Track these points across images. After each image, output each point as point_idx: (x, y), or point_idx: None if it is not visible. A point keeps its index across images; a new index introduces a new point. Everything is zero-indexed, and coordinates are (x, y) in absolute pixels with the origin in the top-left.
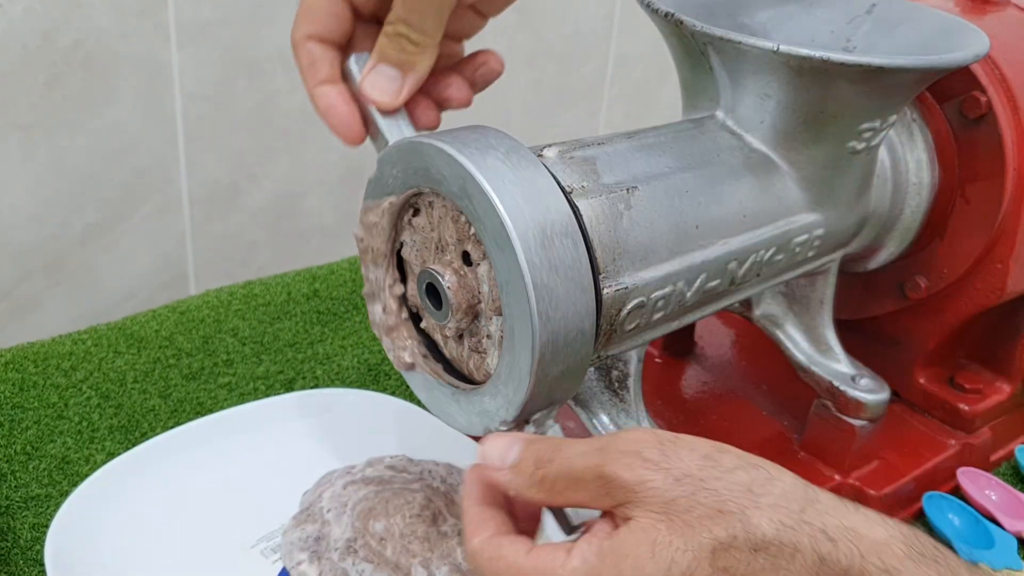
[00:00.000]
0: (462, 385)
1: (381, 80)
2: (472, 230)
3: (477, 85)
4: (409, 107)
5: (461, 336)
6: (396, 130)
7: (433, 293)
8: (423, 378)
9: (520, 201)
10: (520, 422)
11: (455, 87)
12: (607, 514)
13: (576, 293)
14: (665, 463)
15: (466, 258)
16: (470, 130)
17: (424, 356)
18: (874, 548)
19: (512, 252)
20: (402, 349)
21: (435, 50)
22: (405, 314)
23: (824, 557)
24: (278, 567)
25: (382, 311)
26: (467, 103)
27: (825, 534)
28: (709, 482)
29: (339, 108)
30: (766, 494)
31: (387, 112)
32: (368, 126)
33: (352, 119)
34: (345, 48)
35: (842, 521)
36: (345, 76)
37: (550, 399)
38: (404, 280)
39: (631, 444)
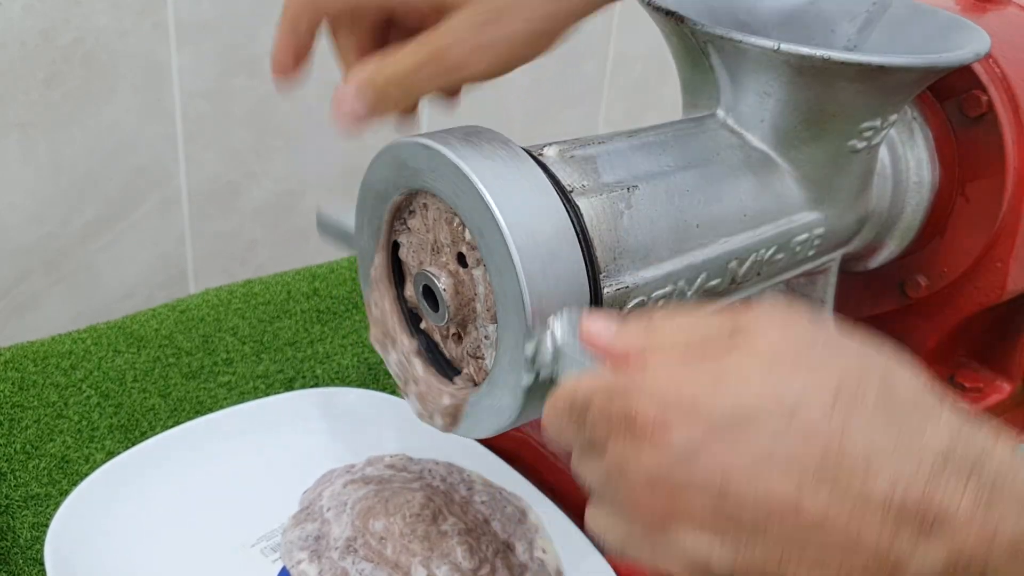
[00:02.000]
0: (449, 387)
1: (350, 106)
2: (466, 232)
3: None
4: None
5: (460, 336)
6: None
7: (430, 295)
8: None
9: (516, 207)
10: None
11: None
12: None
13: (572, 299)
14: (810, 316)
15: (462, 259)
16: (464, 131)
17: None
18: (1000, 447)
19: (509, 260)
20: (438, 395)
21: (406, 106)
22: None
23: (959, 433)
24: (278, 566)
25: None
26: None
27: (962, 416)
28: (853, 339)
29: (286, 61)
30: (913, 368)
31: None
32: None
33: (294, 58)
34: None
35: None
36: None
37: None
38: (403, 281)
39: (775, 302)
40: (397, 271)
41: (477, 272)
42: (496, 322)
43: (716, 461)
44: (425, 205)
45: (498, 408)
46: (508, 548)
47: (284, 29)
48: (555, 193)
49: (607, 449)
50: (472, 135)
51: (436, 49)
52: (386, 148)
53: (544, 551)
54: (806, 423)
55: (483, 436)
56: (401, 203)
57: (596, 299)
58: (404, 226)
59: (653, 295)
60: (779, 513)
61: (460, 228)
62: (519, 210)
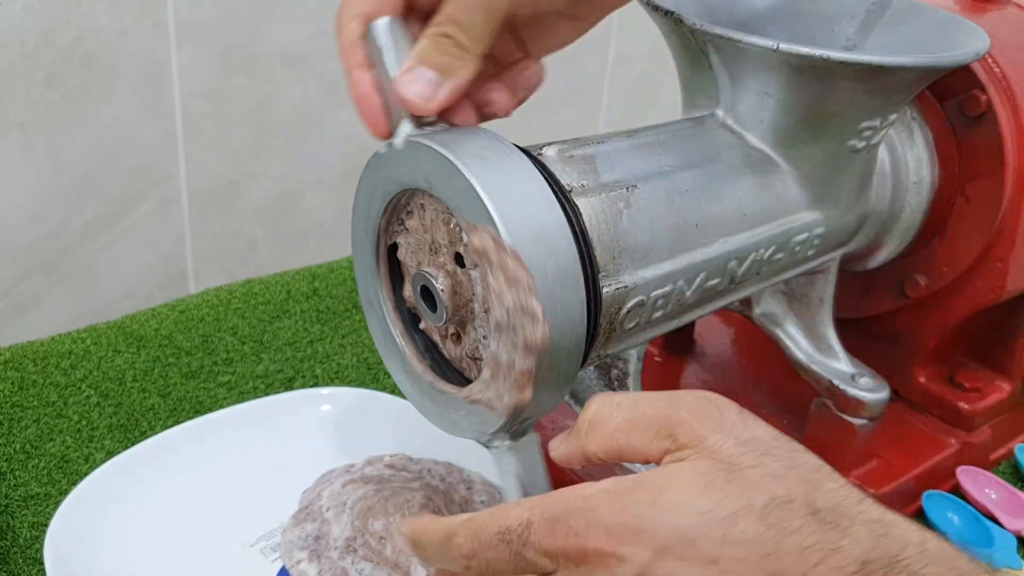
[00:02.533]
0: (453, 390)
1: (418, 83)
2: (463, 233)
3: (518, 94)
4: (447, 109)
5: (459, 337)
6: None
7: (428, 295)
8: (414, 380)
9: (511, 205)
10: (508, 427)
11: (497, 93)
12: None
13: (569, 302)
14: (742, 425)
15: (459, 260)
16: (463, 132)
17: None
18: (922, 544)
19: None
20: None
21: (480, 57)
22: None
23: (877, 541)
24: (278, 566)
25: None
26: (508, 112)
27: (881, 523)
28: (779, 452)
29: (371, 99)
30: (835, 477)
31: (420, 117)
32: (388, 117)
33: (380, 112)
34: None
35: (889, 517)
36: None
37: (539, 406)
38: (401, 282)
39: (710, 397)
40: (396, 271)
41: (475, 273)
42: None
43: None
44: (422, 205)
45: (489, 414)
46: None
47: (355, 65)
48: (551, 191)
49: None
50: (467, 134)
51: None
52: (384, 147)
53: None
54: (745, 534)
55: (470, 438)
56: (398, 203)
57: (595, 299)
58: (402, 227)
59: (652, 294)
60: None
61: (457, 229)
62: (514, 209)
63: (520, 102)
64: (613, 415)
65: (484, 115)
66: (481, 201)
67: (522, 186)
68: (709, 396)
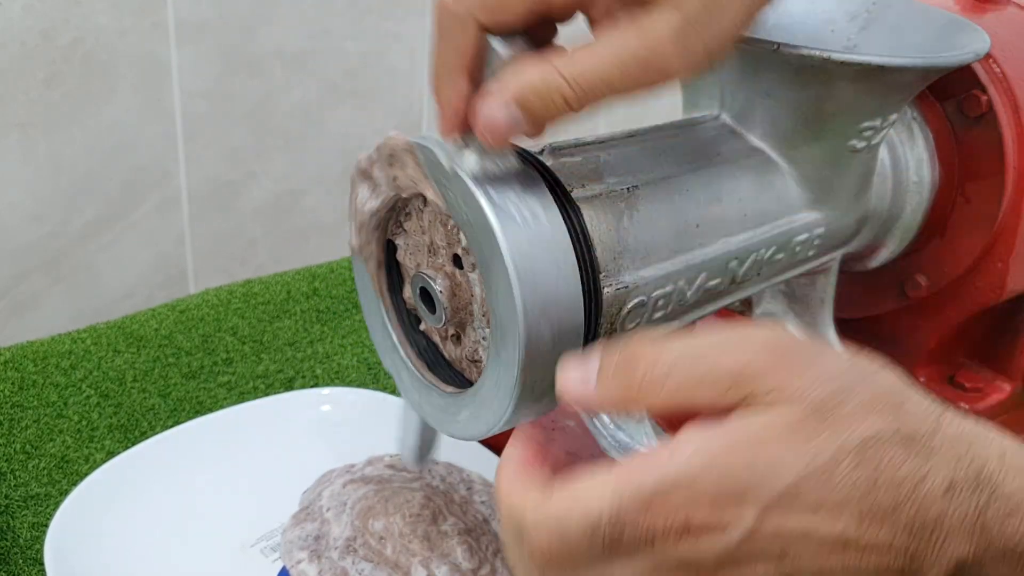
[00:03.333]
0: (449, 388)
1: (502, 121)
2: (461, 235)
3: None
4: None
5: (459, 338)
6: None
7: (427, 297)
8: (410, 375)
9: (509, 209)
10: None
11: None
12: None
13: (566, 310)
14: (817, 362)
15: (458, 261)
16: (525, 192)
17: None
18: (1002, 456)
19: (504, 271)
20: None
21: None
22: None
23: (960, 460)
24: (278, 566)
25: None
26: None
27: (962, 439)
28: (858, 384)
29: (457, 110)
30: (913, 395)
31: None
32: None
33: (461, 122)
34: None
35: (969, 428)
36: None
37: (536, 412)
38: (401, 284)
39: (778, 338)
40: (396, 273)
41: (473, 275)
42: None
43: (773, 532)
44: (420, 207)
45: (488, 410)
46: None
47: (450, 61)
48: (548, 193)
49: (655, 552)
50: (506, 176)
51: (643, 48)
52: (422, 147)
53: None
54: (844, 477)
55: (475, 438)
56: (396, 204)
57: (596, 299)
58: (400, 228)
59: (653, 295)
60: (834, 553)
61: (455, 230)
62: (512, 213)
63: None
64: (672, 364)
65: None
66: (478, 205)
67: (519, 190)
68: (777, 336)
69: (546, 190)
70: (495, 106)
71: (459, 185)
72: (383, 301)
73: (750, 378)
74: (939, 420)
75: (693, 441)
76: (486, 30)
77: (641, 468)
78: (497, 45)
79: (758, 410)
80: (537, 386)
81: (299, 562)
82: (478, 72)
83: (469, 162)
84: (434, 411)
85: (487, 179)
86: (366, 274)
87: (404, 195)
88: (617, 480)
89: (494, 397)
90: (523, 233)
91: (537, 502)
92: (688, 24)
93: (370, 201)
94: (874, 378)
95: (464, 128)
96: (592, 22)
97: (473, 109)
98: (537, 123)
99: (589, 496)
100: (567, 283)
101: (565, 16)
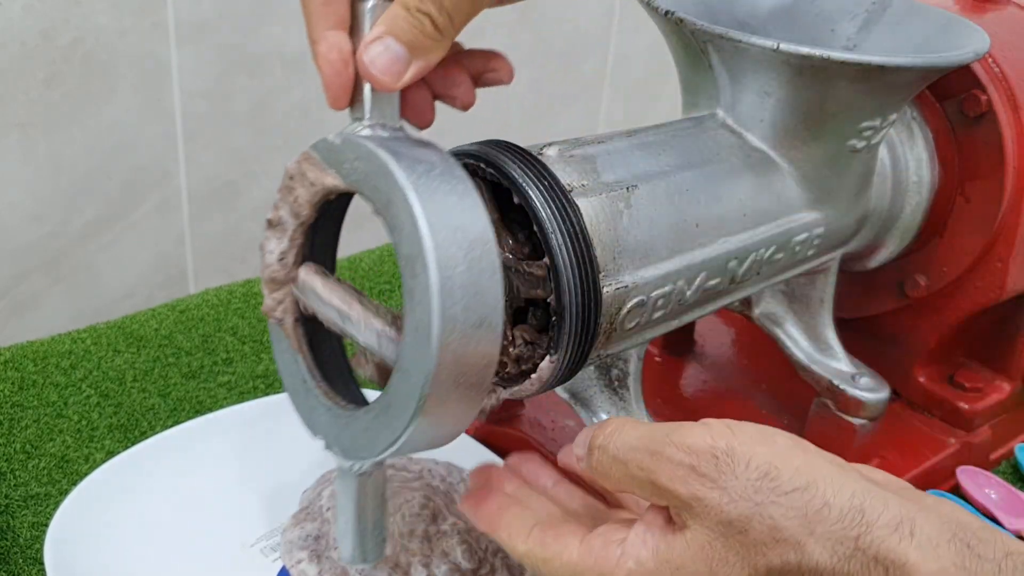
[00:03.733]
0: (340, 402)
1: (386, 57)
2: None
3: (478, 86)
4: (405, 93)
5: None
6: (379, 112)
7: None
8: (330, 413)
9: (444, 227)
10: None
11: (462, 87)
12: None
13: (476, 234)
14: (721, 480)
15: None
16: (420, 147)
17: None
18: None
19: (406, 207)
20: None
21: (451, 41)
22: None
23: None
24: (278, 565)
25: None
26: (470, 106)
27: (879, 563)
28: (765, 507)
29: (339, 67)
30: (822, 520)
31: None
32: (353, 91)
33: (347, 84)
34: None
35: (897, 549)
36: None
37: (432, 440)
38: (316, 336)
39: (685, 455)
40: (312, 325)
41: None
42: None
43: None
44: None
45: (376, 436)
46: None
47: (321, 27)
48: (439, 150)
49: None
50: (399, 138)
51: None
52: (316, 144)
53: None
54: None
55: (410, 438)
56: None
57: (595, 298)
58: None
59: (652, 294)
60: None
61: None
62: (411, 157)
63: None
64: (609, 463)
65: (444, 103)
66: (418, 230)
67: (458, 213)
68: (685, 445)
69: (438, 150)
70: (377, 49)
71: (353, 149)
72: (303, 359)
73: (665, 494)
74: (855, 541)
75: (636, 548)
76: None
77: (599, 558)
78: (367, 12)
79: (685, 521)
80: (434, 420)
81: (299, 562)
82: (353, 31)
83: (360, 129)
84: (359, 437)
85: (381, 141)
86: (282, 334)
87: (308, 209)
88: (580, 560)
89: (388, 423)
90: (421, 170)
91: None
92: None
93: (279, 245)
94: (782, 502)
95: (350, 92)
96: None
97: (359, 62)
98: (417, 49)
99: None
100: (472, 214)
101: None
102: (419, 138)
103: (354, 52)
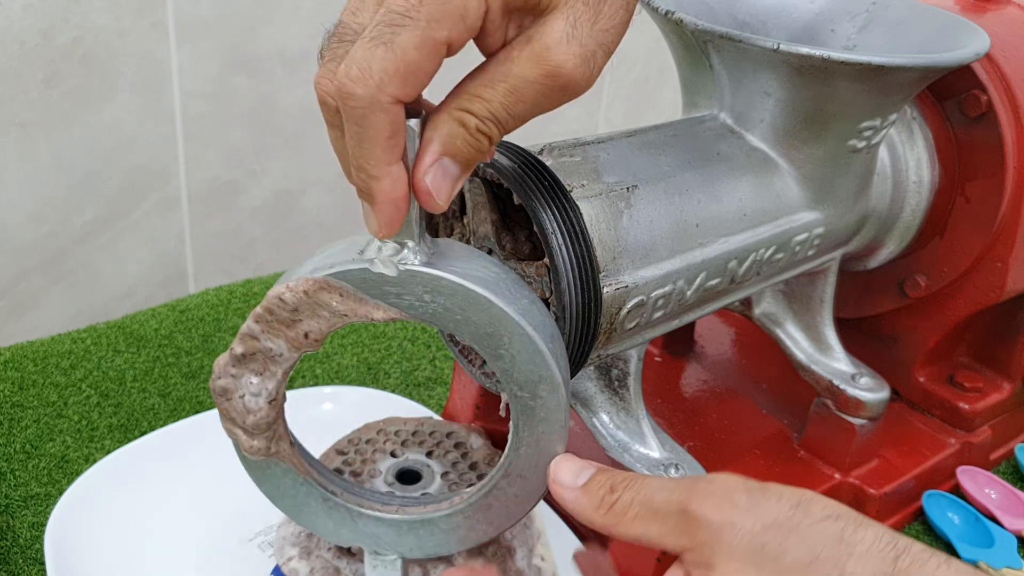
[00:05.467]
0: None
1: (445, 180)
2: None
3: None
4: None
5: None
6: (416, 230)
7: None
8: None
9: (548, 343)
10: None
11: None
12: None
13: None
14: (755, 508)
15: None
16: (475, 260)
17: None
18: None
19: (516, 328)
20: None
21: None
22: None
23: None
24: (275, 560)
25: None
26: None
27: None
28: (800, 530)
29: (402, 204)
30: (858, 542)
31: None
32: None
33: (403, 215)
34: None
35: (936, 574)
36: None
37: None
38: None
39: (720, 487)
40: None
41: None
42: None
43: None
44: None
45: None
46: (508, 552)
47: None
48: (482, 253)
49: None
50: (453, 256)
51: (549, 60)
52: (343, 274)
53: (543, 559)
54: None
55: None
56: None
57: (595, 298)
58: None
59: (652, 294)
60: None
61: None
62: (483, 277)
63: None
64: (630, 500)
65: None
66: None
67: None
68: (719, 480)
69: (488, 258)
70: (434, 172)
71: (424, 282)
72: (315, 477)
73: (688, 525)
74: (895, 563)
75: None
76: (403, 104)
77: None
78: (413, 131)
79: (712, 560)
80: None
81: (290, 559)
82: (404, 154)
83: (407, 256)
84: (435, 537)
85: (454, 269)
86: (281, 468)
87: (320, 339)
88: None
89: (533, 471)
90: (511, 295)
91: None
92: (576, 25)
93: (266, 384)
94: (817, 526)
95: (401, 222)
96: (485, 51)
97: (415, 187)
98: (470, 166)
99: None
100: (545, 313)
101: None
102: (457, 247)
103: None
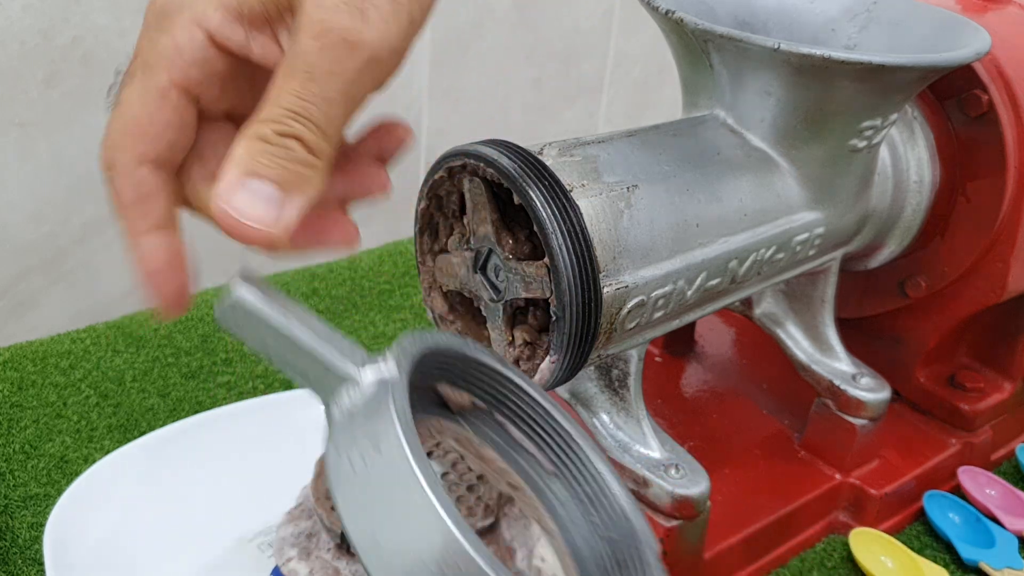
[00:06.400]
0: None
1: (256, 206)
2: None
3: (385, 163)
4: (312, 225)
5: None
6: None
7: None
8: None
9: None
10: None
11: (371, 174)
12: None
13: None
14: None
15: None
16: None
17: None
18: None
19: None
20: None
21: (333, 155)
22: None
23: None
24: (275, 561)
25: None
26: (388, 189)
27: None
28: None
29: (166, 274)
30: None
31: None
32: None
33: (183, 290)
34: (180, 169)
35: None
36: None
37: None
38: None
39: None
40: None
41: None
42: None
43: None
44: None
45: None
46: (508, 553)
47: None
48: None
49: None
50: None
51: (317, 23)
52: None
53: (543, 559)
54: None
55: None
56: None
57: (595, 298)
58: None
59: (653, 294)
60: None
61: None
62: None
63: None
64: None
65: (360, 199)
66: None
67: None
68: None
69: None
70: (236, 197)
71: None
72: None
73: None
74: None
75: None
76: (152, 164)
77: None
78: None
79: None
80: None
81: (288, 560)
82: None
83: (368, 395)
84: None
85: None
86: None
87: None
88: None
89: None
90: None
91: None
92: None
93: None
94: None
95: (176, 300)
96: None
97: (220, 220)
98: (296, 184)
99: None
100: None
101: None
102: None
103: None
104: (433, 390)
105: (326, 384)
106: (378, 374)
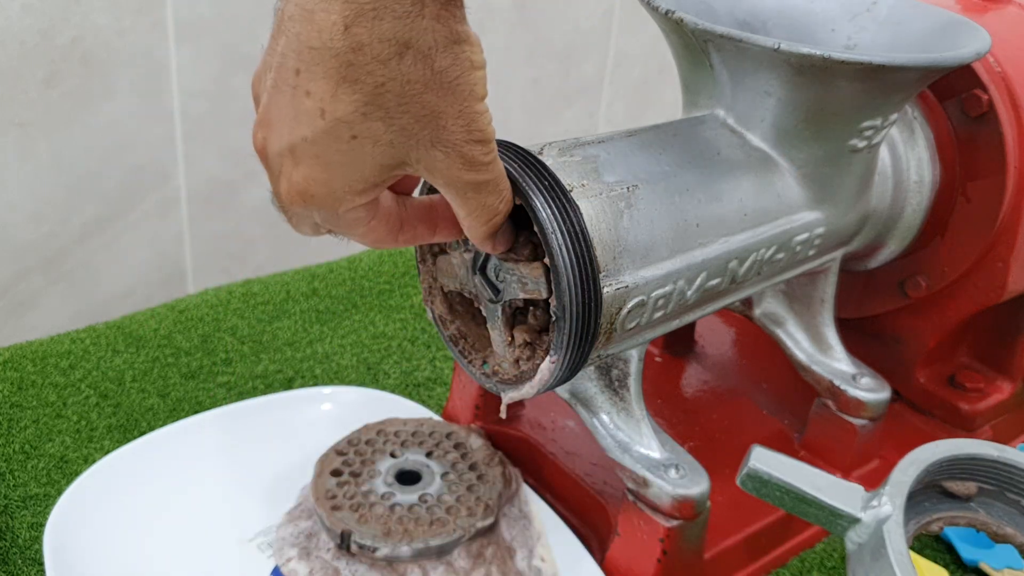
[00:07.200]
0: None
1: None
2: None
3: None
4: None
5: None
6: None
7: None
8: None
9: None
10: None
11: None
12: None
13: None
14: None
15: None
16: None
17: None
18: None
19: None
20: None
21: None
22: None
23: None
24: (274, 561)
25: None
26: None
27: None
28: None
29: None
30: None
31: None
32: None
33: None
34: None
35: None
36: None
37: None
38: None
39: None
40: None
41: None
42: None
43: None
44: None
45: None
46: (508, 553)
47: None
48: None
49: None
50: None
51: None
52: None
53: (543, 559)
54: None
55: None
56: None
57: (595, 298)
58: None
59: (653, 294)
60: None
61: None
62: None
63: None
64: None
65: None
66: None
67: None
68: None
69: None
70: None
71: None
72: None
73: None
74: None
75: None
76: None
77: None
78: None
79: None
80: None
81: (289, 560)
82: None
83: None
84: None
85: None
86: None
87: None
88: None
89: None
90: None
91: None
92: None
93: None
94: None
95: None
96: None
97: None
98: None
99: None
100: None
101: None
102: None
103: None
104: (938, 486)
105: (836, 525)
106: (875, 516)
